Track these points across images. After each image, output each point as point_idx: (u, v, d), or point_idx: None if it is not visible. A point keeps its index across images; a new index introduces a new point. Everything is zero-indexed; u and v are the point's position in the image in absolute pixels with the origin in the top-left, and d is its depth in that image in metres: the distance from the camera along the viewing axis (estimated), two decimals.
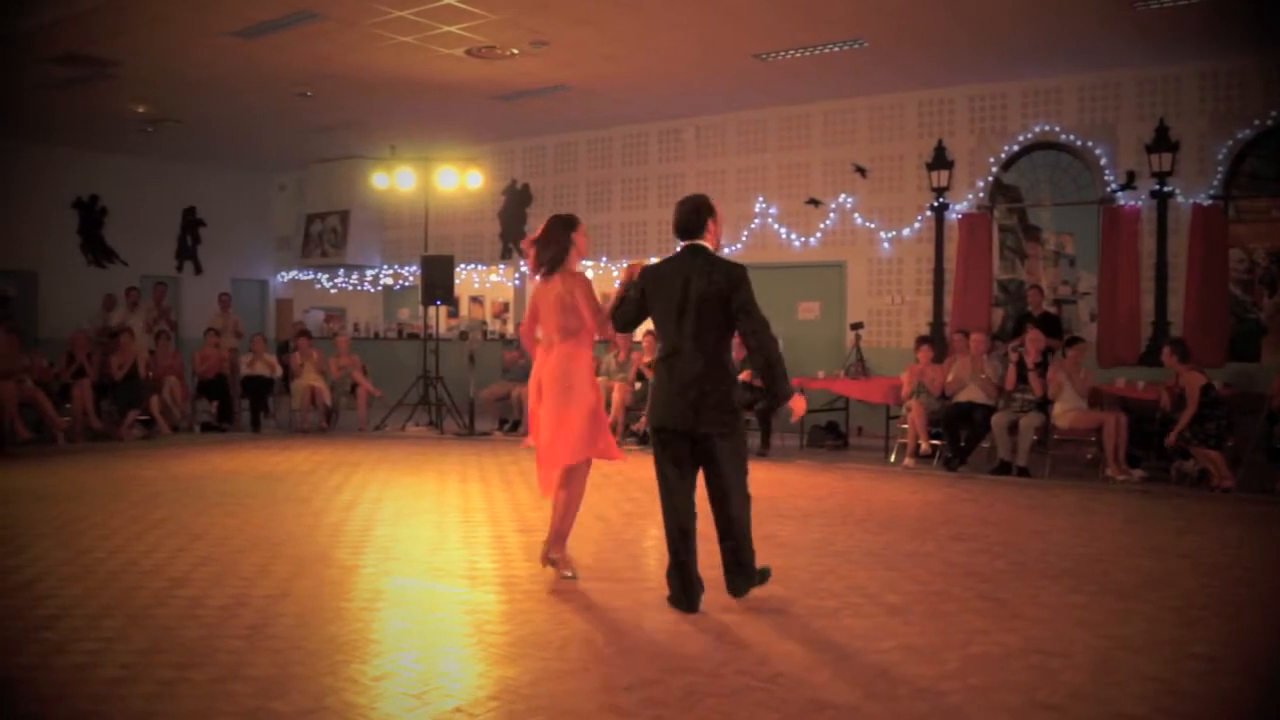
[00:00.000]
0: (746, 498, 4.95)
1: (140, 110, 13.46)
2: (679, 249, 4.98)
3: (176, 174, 17.20)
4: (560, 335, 5.28)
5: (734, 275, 4.77)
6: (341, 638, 4.41)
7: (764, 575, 5.14)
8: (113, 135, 15.00)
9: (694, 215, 4.94)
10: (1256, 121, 10.69)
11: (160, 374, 12.58)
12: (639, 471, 9.70)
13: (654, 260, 5.23)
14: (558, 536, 5.41)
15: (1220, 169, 10.85)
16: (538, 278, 5.39)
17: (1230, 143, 10.82)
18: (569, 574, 5.39)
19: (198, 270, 17.72)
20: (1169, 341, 9.52)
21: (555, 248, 5.33)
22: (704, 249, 4.91)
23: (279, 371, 13.41)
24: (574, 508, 5.41)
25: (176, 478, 9.04)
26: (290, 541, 6.36)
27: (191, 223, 17.69)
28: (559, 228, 5.37)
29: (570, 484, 5.35)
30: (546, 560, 5.44)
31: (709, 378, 4.76)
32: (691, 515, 4.90)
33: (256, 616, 4.67)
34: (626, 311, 5.16)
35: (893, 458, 10.62)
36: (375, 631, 4.54)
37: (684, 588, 4.85)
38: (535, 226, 15.80)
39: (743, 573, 4.97)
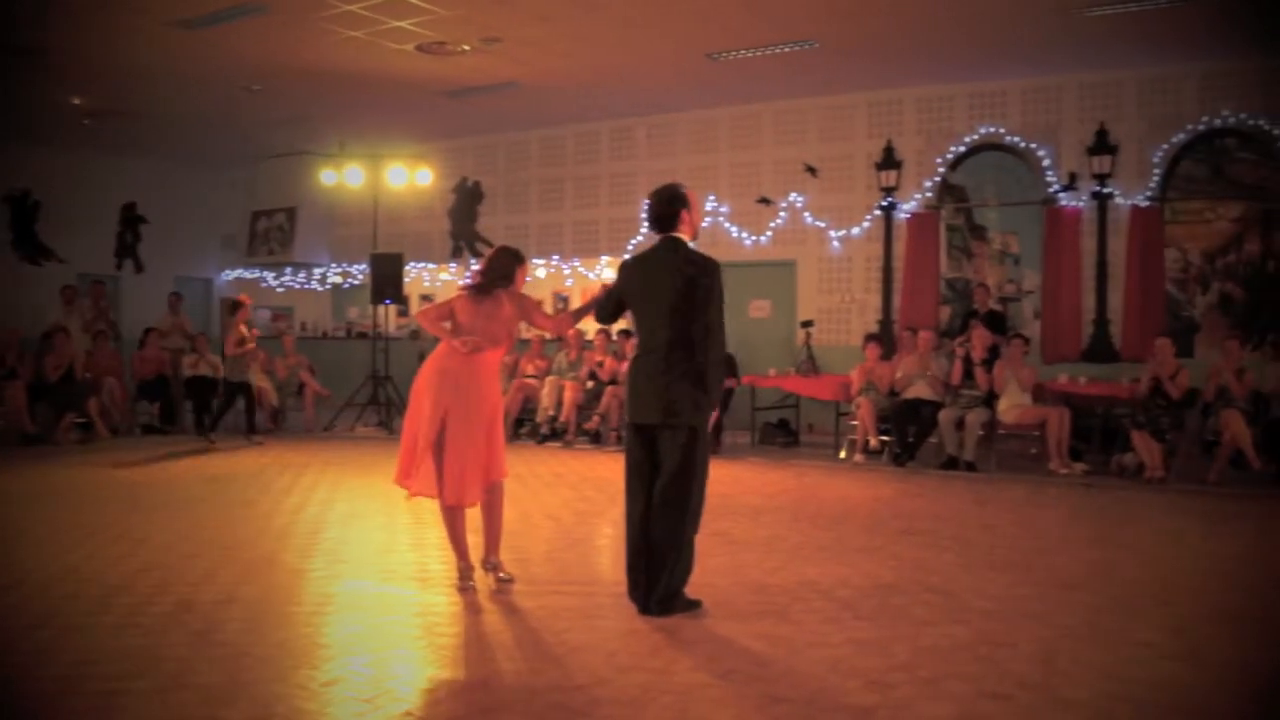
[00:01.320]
0: (689, 504, 4.73)
1: (76, 102, 13.16)
2: (657, 242, 4.96)
3: (115, 168, 16.77)
4: (485, 340, 5.22)
5: (707, 268, 4.76)
6: (290, 643, 4.34)
7: (689, 605, 4.83)
8: (45, 127, 14.59)
9: (667, 207, 4.93)
10: (1190, 126, 10.96)
11: (98, 375, 12.32)
12: (592, 470, 9.72)
13: (626, 256, 5.18)
14: (496, 541, 5.36)
15: (1157, 172, 11.10)
16: (471, 290, 5.35)
17: (1166, 146, 11.08)
18: (506, 576, 5.32)
19: (138, 268, 17.34)
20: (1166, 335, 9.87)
21: (498, 275, 5.35)
22: (681, 242, 4.88)
23: (223, 372, 13.17)
24: (503, 509, 5.40)
25: (117, 481, 8.87)
26: (237, 545, 6.26)
27: (131, 219, 17.30)
28: (506, 258, 5.40)
29: (495, 490, 5.29)
30: (488, 565, 5.36)
31: (683, 370, 4.71)
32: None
33: (202, 623, 4.57)
34: (606, 304, 5.17)
35: (843, 454, 10.71)
36: (325, 636, 4.46)
37: (635, 585, 4.82)
38: (487, 224, 15.85)
39: (660, 591, 4.73)
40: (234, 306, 12.16)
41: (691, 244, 4.94)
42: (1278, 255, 10.71)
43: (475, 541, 5.34)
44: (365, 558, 5.99)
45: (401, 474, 5.28)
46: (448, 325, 5.32)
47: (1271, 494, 8.42)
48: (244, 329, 11.75)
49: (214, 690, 3.73)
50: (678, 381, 4.70)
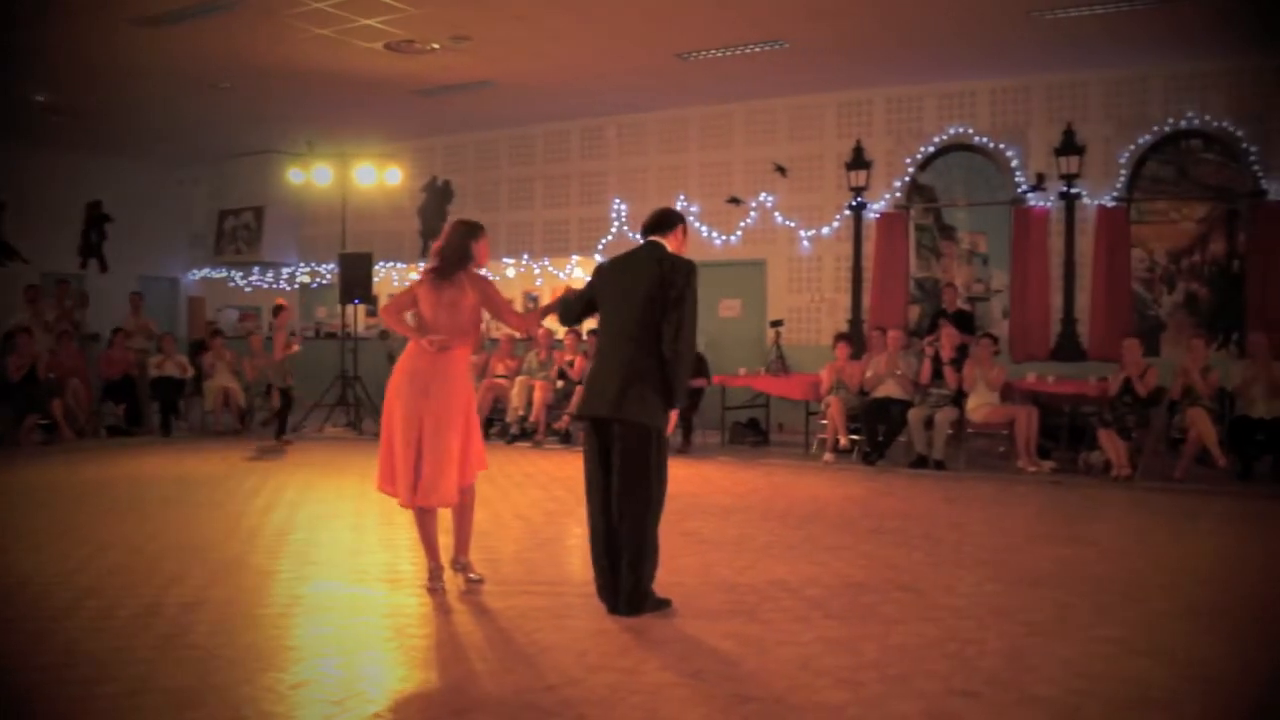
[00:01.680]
0: (648, 503, 4.71)
1: (40, 99, 12.98)
2: (639, 245, 4.98)
3: (80, 166, 16.56)
4: (450, 334, 5.12)
5: (681, 267, 4.75)
6: (258, 645, 4.30)
7: (659, 604, 4.82)
8: (8, 124, 14.37)
9: (668, 217, 4.98)
10: (1156, 127, 11.08)
11: (62, 376, 12.15)
12: (561, 470, 9.70)
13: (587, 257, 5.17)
14: (465, 542, 5.32)
15: (1123, 172, 11.22)
16: (430, 274, 5.20)
17: (1132, 147, 11.19)
18: (475, 577, 5.28)
19: (103, 268, 17.14)
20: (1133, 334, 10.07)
21: (453, 253, 5.17)
22: (662, 246, 4.88)
23: (190, 372, 13.09)
24: (473, 510, 5.35)
25: (83, 483, 8.77)
26: (205, 547, 6.19)
27: (97, 218, 17.08)
28: (458, 235, 5.22)
29: (467, 492, 5.25)
30: (457, 565, 5.31)
31: (641, 370, 4.68)
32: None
33: (170, 626, 4.51)
34: (574, 305, 5.13)
35: (813, 453, 10.74)
36: (294, 638, 4.43)
37: (603, 584, 4.80)
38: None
39: (627, 589, 4.71)
40: (275, 310, 12.36)
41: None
42: (1242, 255, 10.84)
43: (446, 542, 5.31)
44: (334, 559, 5.95)
45: (383, 480, 5.22)
46: (411, 319, 5.27)
47: (1236, 491, 8.52)
48: (286, 332, 11.99)
49: (181, 693, 3.69)
50: (636, 382, 4.67)
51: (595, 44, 10.79)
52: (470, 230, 5.25)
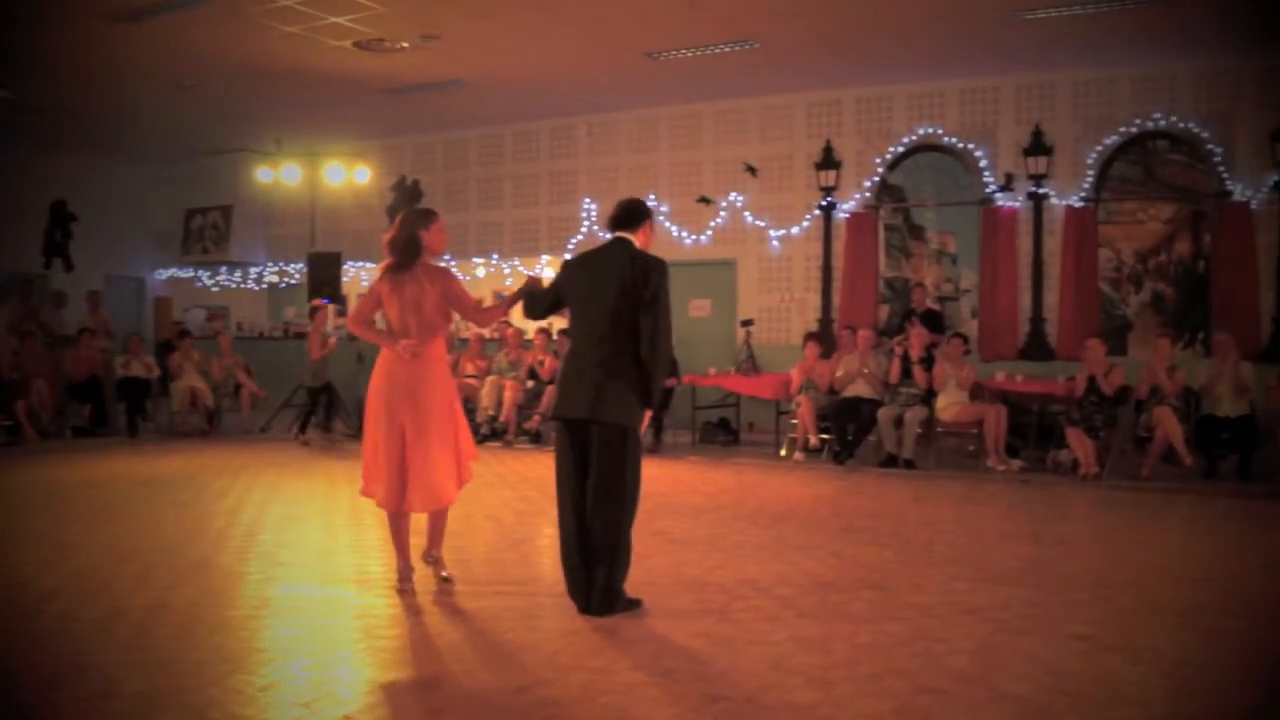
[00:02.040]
0: (624, 503, 4.70)
1: (1, 94, 12.78)
2: (606, 241, 4.92)
3: (44, 164, 16.33)
4: (419, 333, 5.03)
5: (653, 266, 4.71)
6: (227, 648, 4.25)
7: (630, 604, 4.79)
8: None
9: (633, 210, 4.91)
10: (1123, 128, 11.18)
11: (26, 376, 11.99)
12: (532, 470, 9.66)
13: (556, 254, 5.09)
14: (440, 536, 5.26)
15: (1091, 173, 11.30)
16: (387, 270, 5.07)
17: (1100, 148, 11.28)
18: (447, 575, 5.25)
19: (68, 267, 16.89)
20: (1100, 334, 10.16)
21: (402, 244, 5.03)
22: (630, 243, 4.84)
23: (156, 372, 12.98)
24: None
25: (47, 485, 8.64)
26: (171, 549, 6.11)
27: (61, 217, 16.83)
28: (405, 224, 5.06)
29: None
30: (429, 558, 5.25)
31: (615, 369, 4.65)
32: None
33: (135, 629, 4.45)
34: (541, 300, 5.08)
35: (783, 452, 10.75)
36: (262, 640, 4.38)
37: (574, 584, 4.77)
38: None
39: (600, 589, 4.68)
40: (313, 311, 12.46)
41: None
42: (1208, 255, 10.96)
43: (417, 543, 5.27)
44: (303, 560, 5.89)
45: (367, 485, 5.17)
46: (379, 324, 5.21)
47: (1202, 489, 8.60)
48: (321, 333, 12.15)
49: (147, 697, 3.64)
50: (610, 381, 4.64)
51: (565, 43, 10.75)
52: (418, 217, 5.11)
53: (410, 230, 5.05)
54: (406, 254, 5.04)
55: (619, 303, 4.67)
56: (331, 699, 3.65)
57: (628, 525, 4.73)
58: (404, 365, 5.02)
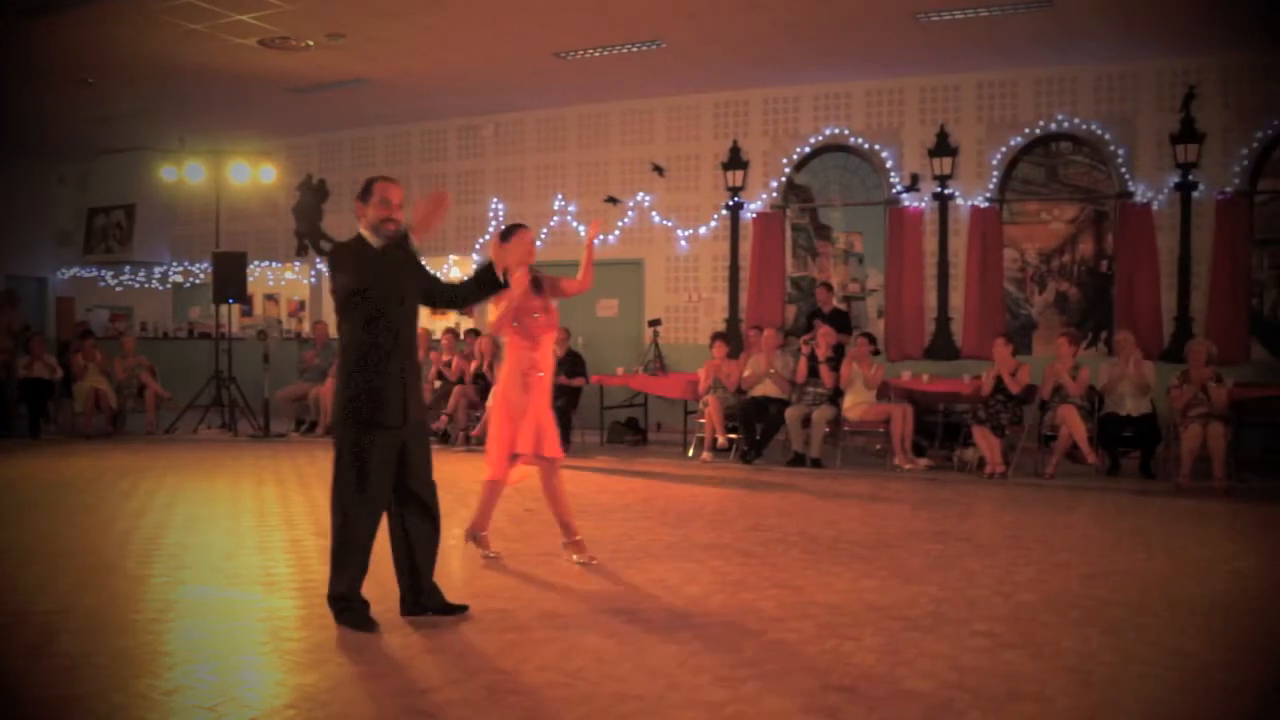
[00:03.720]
0: (437, 500, 4.74)
1: None
2: (391, 235, 4.55)
3: None
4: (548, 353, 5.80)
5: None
6: (130, 652, 4.13)
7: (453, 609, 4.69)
8: None
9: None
10: (1027, 130, 11.34)
11: None
12: (438, 472, 9.39)
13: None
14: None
15: (995, 173, 11.45)
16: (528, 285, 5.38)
17: (1004, 149, 11.43)
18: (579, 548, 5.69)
19: None
20: (1006, 333, 10.21)
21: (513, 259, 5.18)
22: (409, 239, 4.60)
23: (59, 374, 12.57)
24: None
25: None
26: (74, 553, 5.92)
27: None
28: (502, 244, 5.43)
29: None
30: (570, 544, 5.73)
31: (415, 369, 4.62)
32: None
33: (36, 634, 4.32)
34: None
35: (691, 452, 10.68)
36: (167, 643, 4.27)
37: (410, 588, 4.63)
38: (331, 223, 15.43)
39: (427, 585, 4.64)
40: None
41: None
42: (1110, 256, 11.16)
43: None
44: (208, 562, 5.75)
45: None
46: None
47: (1105, 486, 8.73)
48: None
49: (51, 703, 3.55)
50: (417, 381, 4.64)
51: (472, 42, 10.60)
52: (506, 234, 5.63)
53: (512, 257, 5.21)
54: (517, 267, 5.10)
55: (412, 300, 4.64)
56: (237, 702, 3.57)
57: (340, 525, 4.49)
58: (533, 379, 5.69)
